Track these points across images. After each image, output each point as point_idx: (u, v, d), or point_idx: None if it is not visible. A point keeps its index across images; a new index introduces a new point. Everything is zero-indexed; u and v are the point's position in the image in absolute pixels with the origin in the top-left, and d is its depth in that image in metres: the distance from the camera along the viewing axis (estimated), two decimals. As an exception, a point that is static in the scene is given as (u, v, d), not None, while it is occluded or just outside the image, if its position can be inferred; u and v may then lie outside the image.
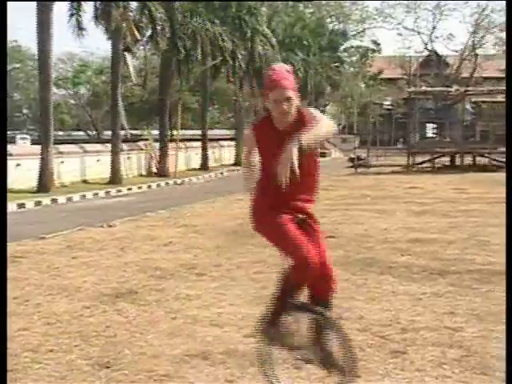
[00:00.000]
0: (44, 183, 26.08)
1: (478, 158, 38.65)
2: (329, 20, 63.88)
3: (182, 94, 43.64)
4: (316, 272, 4.88)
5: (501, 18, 59.87)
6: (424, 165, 39.26)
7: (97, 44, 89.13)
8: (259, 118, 5.41)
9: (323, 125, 4.81)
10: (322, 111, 70.46)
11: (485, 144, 41.63)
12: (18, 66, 59.82)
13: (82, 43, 67.65)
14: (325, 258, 5.08)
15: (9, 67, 55.70)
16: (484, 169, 36.06)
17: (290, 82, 4.93)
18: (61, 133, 49.32)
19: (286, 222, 4.96)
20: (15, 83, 58.80)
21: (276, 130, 4.98)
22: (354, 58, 69.60)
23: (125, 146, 33.95)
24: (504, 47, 62.35)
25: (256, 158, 5.28)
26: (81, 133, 58.12)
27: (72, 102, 61.04)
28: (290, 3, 57.13)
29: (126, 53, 33.13)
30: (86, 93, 59.95)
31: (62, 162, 29.37)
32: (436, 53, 65.45)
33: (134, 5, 32.63)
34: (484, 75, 62.29)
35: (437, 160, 39.59)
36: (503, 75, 63.24)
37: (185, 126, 46.10)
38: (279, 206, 4.96)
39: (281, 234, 4.95)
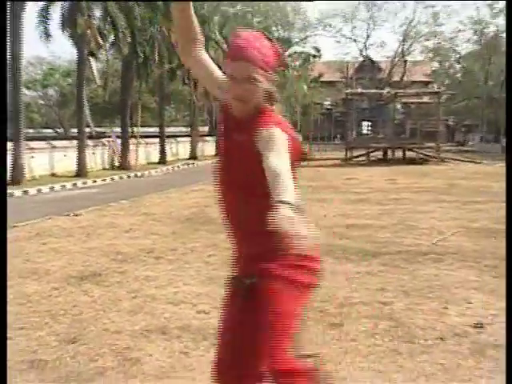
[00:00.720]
0: (16, 176, 25.73)
1: (407, 152, 39.08)
2: (274, 28, 63.85)
3: (142, 94, 43.38)
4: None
5: (426, 28, 60.63)
6: (360, 158, 39.58)
7: (63, 48, 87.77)
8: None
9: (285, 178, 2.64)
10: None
11: (413, 140, 42.00)
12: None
13: (49, 48, 66.51)
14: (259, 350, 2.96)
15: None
16: (412, 162, 36.50)
17: (262, 56, 2.90)
18: (31, 130, 48.65)
19: (226, 300, 3.17)
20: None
21: (232, 118, 3.07)
22: (298, 63, 69.62)
23: (90, 142, 33.63)
24: (430, 54, 63.24)
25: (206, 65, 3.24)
26: (49, 130, 57.31)
27: (41, 102, 60.33)
28: (240, 13, 57.17)
29: (90, 57, 32.81)
30: (54, 94, 59.31)
31: (33, 157, 28.95)
32: (370, 59, 66.03)
33: (97, 13, 32.28)
34: (412, 79, 62.79)
35: (371, 154, 39.97)
36: (429, 79, 63.94)
37: (144, 124, 45.84)
38: (237, 251, 3.09)
39: None
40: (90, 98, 46.42)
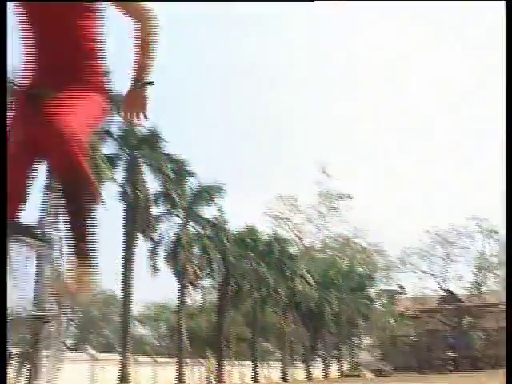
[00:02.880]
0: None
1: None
2: (361, 269, 66.36)
3: (236, 326, 46.26)
4: None
5: (497, 259, 62.45)
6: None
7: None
8: None
9: None
10: (358, 344, 71.68)
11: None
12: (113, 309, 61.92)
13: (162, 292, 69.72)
14: None
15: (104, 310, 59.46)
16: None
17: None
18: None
19: None
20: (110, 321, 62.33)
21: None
22: (384, 300, 71.63)
23: (188, 361, 36.29)
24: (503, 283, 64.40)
25: None
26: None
27: (154, 334, 64.03)
28: (330, 258, 61.01)
29: (189, 285, 36.40)
30: (163, 328, 62.83)
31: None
32: (449, 291, 67.43)
33: (196, 249, 36.40)
34: (489, 310, 63.10)
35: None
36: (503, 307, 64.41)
37: (240, 356, 47.88)
38: None
39: None
40: (194, 330, 49.44)
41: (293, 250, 51.22)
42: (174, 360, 34.39)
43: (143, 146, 31.35)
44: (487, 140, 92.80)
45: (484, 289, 64.46)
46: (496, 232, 61.65)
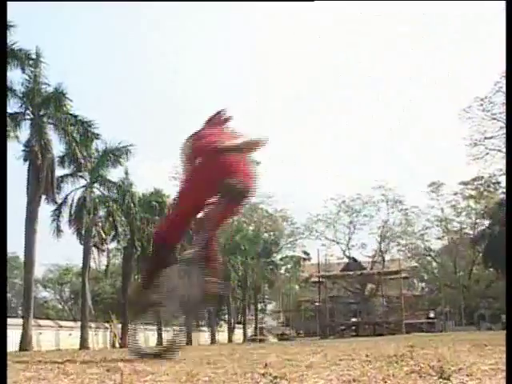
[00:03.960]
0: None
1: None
2: (265, 232, 67.10)
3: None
4: None
5: (400, 228, 64.62)
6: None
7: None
8: None
9: None
10: (262, 309, 73.24)
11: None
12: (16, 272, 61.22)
13: (66, 256, 68.96)
14: None
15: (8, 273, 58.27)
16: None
17: None
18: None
19: None
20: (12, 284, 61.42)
21: None
22: (289, 266, 73.00)
23: (92, 324, 36.26)
24: (406, 252, 66.90)
25: None
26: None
27: (57, 297, 63.46)
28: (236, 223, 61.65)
29: (94, 248, 36.28)
30: (67, 292, 62.35)
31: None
32: (353, 258, 69.20)
33: (101, 212, 36.26)
34: (391, 276, 65.10)
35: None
36: (407, 275, 66.78)
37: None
38: None
39: None
40: (98, 293, 49.35)
41: (199, 214, 51.49)
42: (78, 324, 34.33)
43: (48, 106, 30.89)
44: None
45: (387, 257, 66.41)
46: (400, 202, 63.65)
